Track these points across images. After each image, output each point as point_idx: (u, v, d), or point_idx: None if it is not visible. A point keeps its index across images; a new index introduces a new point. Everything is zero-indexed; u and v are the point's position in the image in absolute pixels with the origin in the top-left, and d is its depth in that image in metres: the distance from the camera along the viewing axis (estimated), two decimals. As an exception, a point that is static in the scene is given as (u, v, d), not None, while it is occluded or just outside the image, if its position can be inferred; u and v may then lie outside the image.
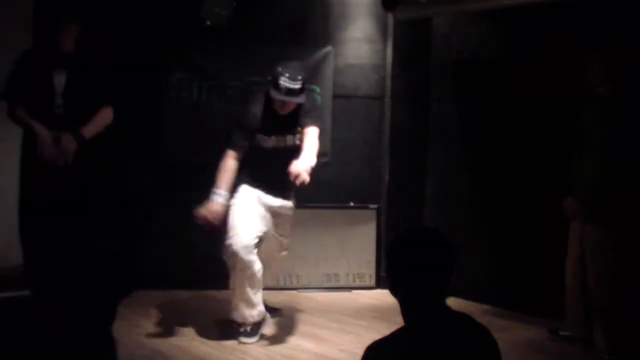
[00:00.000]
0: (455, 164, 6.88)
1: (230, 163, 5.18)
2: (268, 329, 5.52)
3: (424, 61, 7.06)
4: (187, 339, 5.31)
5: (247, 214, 5.17)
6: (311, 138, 5.20)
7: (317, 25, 6.93)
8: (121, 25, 6.33)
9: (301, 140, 5.21)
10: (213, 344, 5.25)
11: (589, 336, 5.20)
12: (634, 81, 5.16)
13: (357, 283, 6.93)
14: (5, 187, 5.59)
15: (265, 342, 5.29)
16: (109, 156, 6.09)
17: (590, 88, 5.15)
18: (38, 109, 5.09)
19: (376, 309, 6.27)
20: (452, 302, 2.43)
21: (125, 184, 6.43)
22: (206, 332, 5.44)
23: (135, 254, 6.00)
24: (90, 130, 5.17)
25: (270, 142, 5.24)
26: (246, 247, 5.06)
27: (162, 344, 5.19)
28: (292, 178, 4.94)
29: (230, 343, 5.24)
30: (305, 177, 4.94)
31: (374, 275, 6.95)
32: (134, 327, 5.41)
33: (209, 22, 6.44)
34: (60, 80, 5.11)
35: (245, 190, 5.26)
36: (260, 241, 5.23)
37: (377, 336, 2.50)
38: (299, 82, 5.10)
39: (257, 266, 5.13)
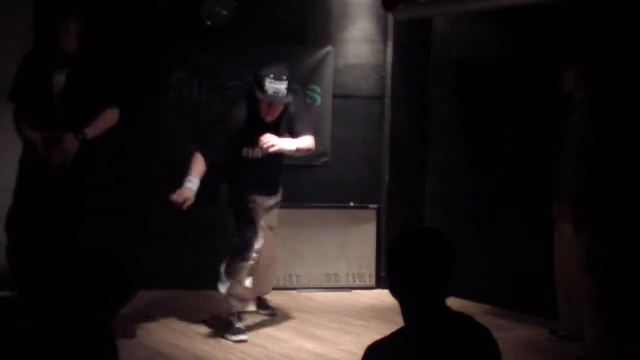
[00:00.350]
0: (455, 164, 6.88)
1: (200, 158, 5.17)
2: (268, 329, 5.52)
3: (424, 61, 7.06)
4: (187, 338, 5.31)
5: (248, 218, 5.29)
6: (305, 137, 5.27)
7: (317, 25, 6.93)
8: (121, 25, 6.33)
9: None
10: (213, 343, 5.25)
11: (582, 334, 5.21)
12: (612, 85, 5.23)
13: (357, 283, 6.93)
14: (5, 186, 5.58)
15: (265, 342, 5.29)
16: (108, 155, 6.08)
17: (569, 92, 5.24)
18: (38, 108, 5.07)
19: (376, 309, 6.27)
20: (452, 302, 2.42)
21: (124, 183, 6.42)
22: (206, 332, 5.45)
23: (135, 255, 6.01)
24: (93, 130, 5.13)
25: (256, 153, 5.25)
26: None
27: (162, 344, 5.19)
28: (262, 144, 5.06)
29: (230, 343, 5.24)
30: (275, 143, 5.08)
31: (373, 275, 6.95)
32: (134, 327, 5.41)
33: (209, 22, 6.44)
34: (60, 79, 5.08)
35: (238, 195, 5.30)
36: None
37: (377, 336, 2.50)
38: (285, 82, 5.07)
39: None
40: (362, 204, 7.01)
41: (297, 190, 6.53)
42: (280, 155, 5.29)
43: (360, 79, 7.06)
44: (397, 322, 2.50)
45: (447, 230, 2.62)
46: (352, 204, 6.99)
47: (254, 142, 5.16)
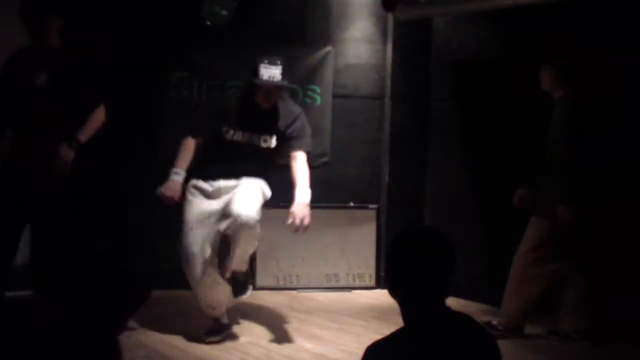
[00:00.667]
0: (455, 164, 6.88)
1: (189, 145, 5.16)
2: (268, 329, 5.52)
3: (424, 61, 7.06)
4: (187, 338, 5.30)
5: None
6: (302, 166, 5.16)
7: (317, 25, 6.94)
8: (121, 25, 6.33)
9: (278, 153, 5.19)
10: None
11: (522, 328, 5.50)
12: (589, 84, 5.43)
13: (357, 283, 6.93)
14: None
15: (265, 342, 5.29)
16: (101, 153, 6.05)
17: (548, 93, 5.43)
18: (19, 108, 4.95)
19: (376, 309, 6.27)
20: (452, 302, 2.42)
21: (123, 183, 6.42)
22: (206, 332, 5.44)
23: (136, 256, 6.01)
24: (86, 133, 5.02)
25: (239, 136, 5.13)
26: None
27: (162, 344, 5.19)
28: (295, 223, 4.96)
29: (231, 343, 5.24)
30: (308, 220, 4.99)
31: (373, 275, 6.95)
32: (134, 327, 5.41)
33: (209, 22, 6.44)
34: (42, 78, 4.92)
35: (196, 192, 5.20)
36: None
37: (377, 336, 2.50)
38: (279, 67, 5.00)
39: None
40: (362, 204, 7.01)
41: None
42: (267, 153, 5.15)
43: (360, 79, 7.06)
44: (397, 322, 2.50)
45: (447, 230, 2.62)
46: (352, 204, 6.99)
47: (244, 125, 5.10)
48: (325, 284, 6.86)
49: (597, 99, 5.45)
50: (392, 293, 2.51)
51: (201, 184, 5.17)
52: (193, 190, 5.18)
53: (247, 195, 5.01)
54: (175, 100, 6.62)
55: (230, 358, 5.00)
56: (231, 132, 5.12)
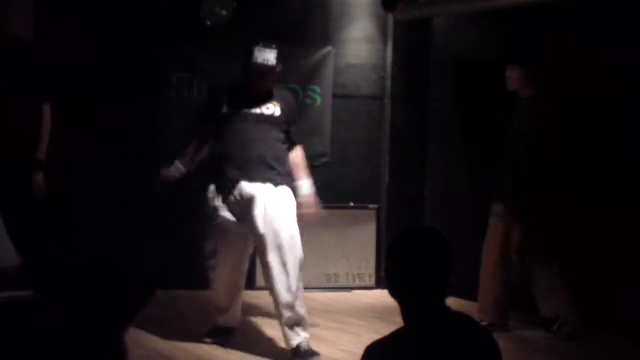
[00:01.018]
0: (455, 164, 6.88)
1: (193, 145, 5.19)
2: (268, 329, 5.52)
3: (424, 61, 7.06)
4: (187, 338, 5.30)
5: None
6: (300, 156, 5.11)
7: (317, 25, 6.94)
8: (121, 25, 6.33)
9: (277, 121, 5.02)
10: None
11: (505, 323, 5.64)
12: (553, 84, 5.64)
13: (357, 283, 6.93)
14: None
15: (265, 342, 5.29)
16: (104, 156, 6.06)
17: (514, 92, 5.63)
18: None
19: (376, 309, 6.27)
20: (452, 302, 2.43)
21: (123, 183, 6.42)
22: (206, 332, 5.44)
23: (136, 256, 6.00)
24: (42, 150, 4.98)
25: (237, 114, 4.99)
26: None
27: (162, 344, 5.19)
28: (306, 214, 5.10)
29: (231, 343, 5.23)
30: (317, 210, 5.14)
31: (373, 275, 6.95)
32: (134, 327, 5.40)
33: (209, 22, 6.44)
34: None
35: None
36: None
37: (377, 336, 2.50)
38: (274, 50, 4.90)
39: None
40: (362, 204, 7.01)
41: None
42: (276, 126, 5.00)
43: (360, 79, 7.07)
44: (397, 322, 2.50)
45: (447, 230, 2.62)
46: (352, 204, 6.99)
47: (241, 104, 4.99)
48: (325, 284, 6.86)
49: (563, 98, 5.62)
50: (392, 293, 2.51)
51: (222, 199, 5.01)
52: (217, 206, 5.02)
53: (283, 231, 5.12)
54: (175, 101, 6.62)
55: (230, 358, 5.00)
56: (229, 111, 4.99)
